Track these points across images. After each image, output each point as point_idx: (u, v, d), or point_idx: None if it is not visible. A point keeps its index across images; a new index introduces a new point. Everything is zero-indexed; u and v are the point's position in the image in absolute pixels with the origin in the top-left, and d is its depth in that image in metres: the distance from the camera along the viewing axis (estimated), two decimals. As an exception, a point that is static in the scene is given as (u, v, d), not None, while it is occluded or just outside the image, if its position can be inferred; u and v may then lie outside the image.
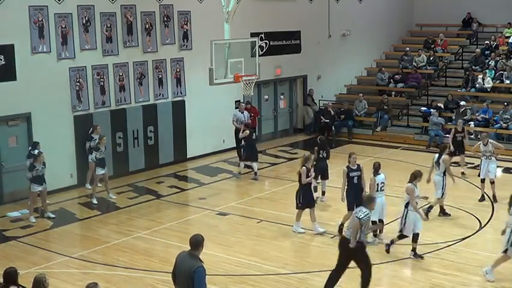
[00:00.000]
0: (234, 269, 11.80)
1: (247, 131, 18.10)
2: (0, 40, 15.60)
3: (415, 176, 12.18)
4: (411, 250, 12.03)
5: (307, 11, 24.29)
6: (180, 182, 18.21)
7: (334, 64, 25.80)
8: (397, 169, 18.22)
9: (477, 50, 25.87)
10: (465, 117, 21.94)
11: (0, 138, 15.98)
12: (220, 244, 12.97)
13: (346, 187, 13.17)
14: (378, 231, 12.90)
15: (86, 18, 17.36)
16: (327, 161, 15.91)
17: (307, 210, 13.47)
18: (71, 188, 17.27)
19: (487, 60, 24.94)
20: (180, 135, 19.99)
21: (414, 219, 11.89)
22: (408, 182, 12.13)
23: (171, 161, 19.80)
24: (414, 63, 26.11)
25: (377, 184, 12.68)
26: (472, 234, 13.38)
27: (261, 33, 22.02)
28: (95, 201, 16.08)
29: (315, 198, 14.05)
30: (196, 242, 7.82)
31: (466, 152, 18.22)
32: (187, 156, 20.31)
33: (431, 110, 22.55)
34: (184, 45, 19.93)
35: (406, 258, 12.02)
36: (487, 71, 24.10)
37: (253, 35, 20.32)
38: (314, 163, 14.31)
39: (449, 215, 14.42)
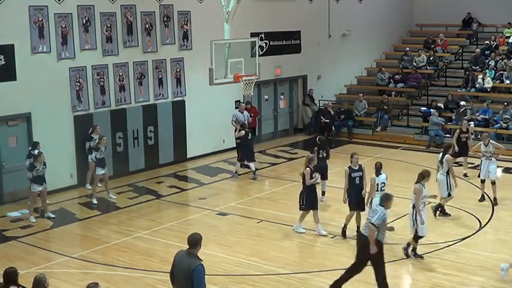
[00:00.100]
0: (234, 269, 11.80)
1: (243, 132, 18.16)
2: (0, 40, 15.60)
3: (423, 176, 12.09)
4: (412, 250, 12.03)
5: (307, 11, 24.29)
6: (180, 182, 18.21)
7: (334, 64, 25.80)
8: (397, 169, 18.23)
9: (477, 50, 25.87)
10: (465, 117, 21.93)
11: (0, 138, 15.98)
12: (220, 244, 12.97)
13: (347, 187, 13.12)
14: None
15: (86, 18, 17.36)
16: (327, 161, 15.90)
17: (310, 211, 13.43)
18: (71, 188, 17.27)
19: (487, 60, 24.94)
20: (180, 135, 19.99)
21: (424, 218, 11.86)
22: (416, 183, 12.07)
23: (171, 161, 19.80)
24: (414, 63, 26.11)
25: (377, 184, 12.66)
26: (472, 234, 13.38)
27: (261, 33, 22.02)
28: (95, 201, 16.08)
29: None
30: (194, 241, 7.83)
31: (469, 153, 18.16)
32: (187, 156, 20.31)
33: (431, 110, 22.55)
34: (184, 45, 19.93)
35: (404, 258, 12.01)
36: (487, 71, 24.10)
37: (253, 35, 20.32)
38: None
39: (449, 215, 14.43)
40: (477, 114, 22.17)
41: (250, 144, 18.61)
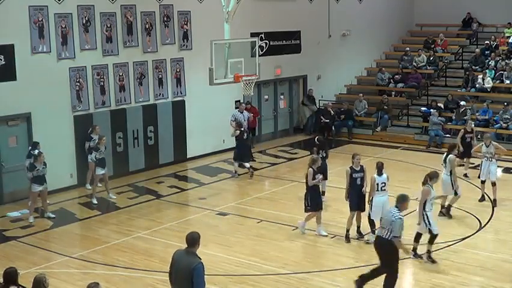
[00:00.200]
0: (234, 269, 11.80)
1: (238, 131, 18.19)
2: (0, 40, 15.61)
3: (430, 177, 12.06)
4: (412, 250, 12.02)
5: (307, 11, 24.29)
6: (180, 182, 18.21)
7: (334, 64, 25.80)
8: (397, 169, 18.23)
9: (477, 50, 25.86)
10: (465, 117, 21.95)
11: (0, 138, 15.98)
12: (220, 244, 12.98)
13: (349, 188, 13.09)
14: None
15: (86, 18, 17.36)
16: (326, 160, 15.90)
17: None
18: (71, 188, 17.28)
19: (487, 60, 24.94)
20: (180, 135, 19.99)
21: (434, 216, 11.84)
22: (423, 184, 12.03)
23: (171, 161, 19.80)
24: (414, 63, 26.11)
25: (377, 184, 12.65)
26: (472, 234, 13.38)
27: (261, 33, 22.02)
28: (95, 201, 16.08)
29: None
30: (193, 239, 7.84)
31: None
32: (187, 156, 20.31)
33: (431, 110, 22.54)
34: (184, 45, 19.93)
35: (406, 258, 11.99)
36: (487, 71, 24.10)
37: (253, 35, 20.32)
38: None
39: (451, 216, 14.41)
40: (477, 114, 22.16)
41: (246, 144, 18.63)
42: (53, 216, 14.98)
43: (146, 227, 14.22)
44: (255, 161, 20.22)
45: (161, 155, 19.54)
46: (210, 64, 14.98)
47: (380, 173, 12.70)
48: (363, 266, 11.77)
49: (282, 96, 24.29)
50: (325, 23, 25.30)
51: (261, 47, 21.39)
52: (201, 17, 20.03)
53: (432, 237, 11.85)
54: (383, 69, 26.32)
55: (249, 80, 15.81)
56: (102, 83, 17.90)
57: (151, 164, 19.18)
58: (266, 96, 23.63)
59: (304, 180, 13.39)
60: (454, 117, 22.47)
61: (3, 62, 15.68)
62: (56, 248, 13.11)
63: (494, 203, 15.25)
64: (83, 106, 17.49)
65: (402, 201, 10.31)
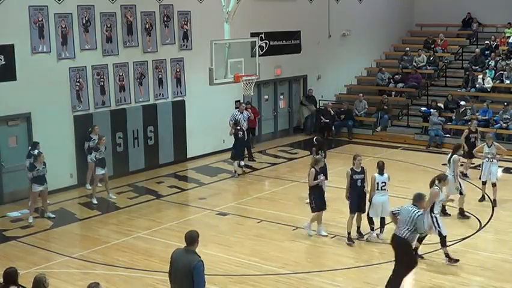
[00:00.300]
0: (234, 269, 11.80)
1: (233, 130, 18.23)
2: (0, 40, 15.60)
3: (439, 180, 12.04)
4: (414, 249, 12.01)
5: (307, 11, 24.29)
6: (180, 182, 18.21)
7: (334, 64, 25.79)
8: (397, 169, 18.23)
9: (477, 50, 25.86)
10: (465, 117, 21.95)
11: (0, 138, 15.98)
12: (220, 244, 12.98)
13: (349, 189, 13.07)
14: (380, 228, 12.96)
15: (86, 18, 17.36)
16: (325, 160, 15.87)
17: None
18: (71, 188, 17.28)
19: (487, 60, 24.94)
20: (180, 135, 19.99)
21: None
22: (430, 186, 12.01)
23: (171, 161, 19.80)
24: (414, 63, 26.11)
25: (377, 183, 12.66)
26: (472, 234, 13.38)
27: (261, 33, 22.02)
28: (95, 201, 16.08)
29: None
30: (191, 238, 7.87)
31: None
32: (187, 156, 20.31)
33: (431, 110, 22.54)
34: (184, 45, 19.93)
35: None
36: (487, 71, 24.09)
37: (253, 35, 20.32)
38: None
39: (449, 215, 14.41)
40: (477, 114, 22.16)
41: (243, 144, 18.65)
42: (53, 216, 14.98)
43: (146, 227, 14.22)
44: (255, 161, 20.24)
45: (161, 155, 19.54)
46: (210, 64, 14.99)
47: (381, 172, 12.71)
48: (363, 266, 11.79)
49: (281, 96, 24.30)
50: (325, 23, 25.30)
51: (261, 47, 21.39)
52: (201, 17, 20.03)
53: (443, 239, 11.83)
54: (383, 69, 26.32)
55: (249, 80, 15.81)
56: (102, 83, 17.90)
57: (151, 164, 19.18)
58: (266, 96, 23.63)
59: (307, 181, 13.38)
60: (454, 117, 22.47)
61: (3, 62, 15.68)
62: (56, 248, 13.11)
63: (494, 203, 15.25)
64: (83, 106, 17.49)
65: (419, 199, 10.41)
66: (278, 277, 11.37)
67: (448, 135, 22.02)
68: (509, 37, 26.12)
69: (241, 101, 20.91)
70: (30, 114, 16.33)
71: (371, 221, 12.90)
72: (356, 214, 12.98)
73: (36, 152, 15.08)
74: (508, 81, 23.62)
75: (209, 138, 20.79)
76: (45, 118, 16.50)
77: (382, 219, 12.93)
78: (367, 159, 18.17)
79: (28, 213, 14.85)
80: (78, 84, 17.31)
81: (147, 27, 18.87)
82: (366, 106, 24.61)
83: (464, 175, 17.52)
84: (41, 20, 16.36)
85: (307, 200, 15.20)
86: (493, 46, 25.89)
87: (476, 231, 13.60)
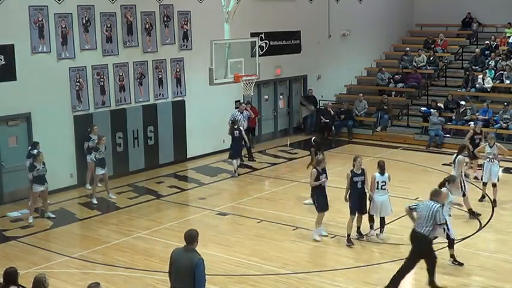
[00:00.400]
0: (234, 269, 11.80)
1: (230, 129, 18.34)
2: (0, 40, 15.60)
3: (449, 181, 12.02)
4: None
5: (307, 11, 24.29)
6: (180, 182, 18.21)
7: (334, 64, 25.79)
8: (397, 169, 18.21)
9: (477, 50, 25.86)
10: (465, 117, 21.94)
11: (0, 138, 15.97)
12: (220, 244, 12.97)
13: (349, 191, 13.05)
14: (379, 228, 12.95)
15: (86, 18, 17.36)
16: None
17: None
18: (71, 188, 17.27)
19: (487, 60, 24.94)
20: (180, 135, 19.99)
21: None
22: (440, 187, 11.98)
23: (171, 161, 19.79)
24: (414, 63, 26.11)
25: (378, 182, 12.65)
26: (472, 234, 13.37)
27: (261, 33, 22.02)
28: (95, 201, 16.08)
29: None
30: (191, 237, 7.90)
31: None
32: (187, 156, 20.31)
33: (431, 110, 22.54)
34: (184, 45, 19.93)
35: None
36: (487, 71, 24.09)
37: (253, 35, 20.32)
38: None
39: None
40: (477, 114, 22.16)
41: (240, 143, 18.66)
42: (53, 216, 14.98)
43: (146, 227, 14.22)
44: (255, 161, 20.24)
45: (161, 155, 19.54)
46: (210, 64, 14.98)
47: (382, 172, 12.70)
48: (363, 266, 11.79)
49: (281, 96, 24.30)
50: (325, 23, 25.30)
51: (261, 47, 21.39)
52: (201, 17, 20.03)
53: (451, 242, 11.81)
54: (383, 69, 26.32)
55: (249, 80, 15.81)
56: (102, 83, 17.90)
57: (151, 164, 19.18)
58: (266, 96, 23.63)
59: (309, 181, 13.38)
60: (454, 117, 22.47)
61: (3, 62, 15.68)
62: (56, 248, 13.10)
63: (494, 203, 15.25)
64: (83, 106, 17.49)
65: (438, 194, 10.61)
66: (278, 277, 11.37)
67: (448, 135, 22.03)
68: (509, 37, 26.11)
69: (241, 101, 20.91)
70: (30, 114, 16.33)
71: (371, 218, 12.92)
72: (356, 216, 12.97)
73: (35, 151, 15.08)
74: (508, 81, 23.62)
75: (209, 138, 20.79)
76: (45, 118, 16.49)
77: (382, 219, 12.93)
78: (367, 159, 18.14)
79: (28, 213, 14.85)
80: (78, 84, 17.31)
81: (147, 27, 18.87)
82: (366, 106, 24.61)
83: (465, 175, 17.50)
84: (41, 20, 16.36)
85: (305, 201, 15.26)
86: (493, 46, 25.90)
87: (476, 231, 13.60)
